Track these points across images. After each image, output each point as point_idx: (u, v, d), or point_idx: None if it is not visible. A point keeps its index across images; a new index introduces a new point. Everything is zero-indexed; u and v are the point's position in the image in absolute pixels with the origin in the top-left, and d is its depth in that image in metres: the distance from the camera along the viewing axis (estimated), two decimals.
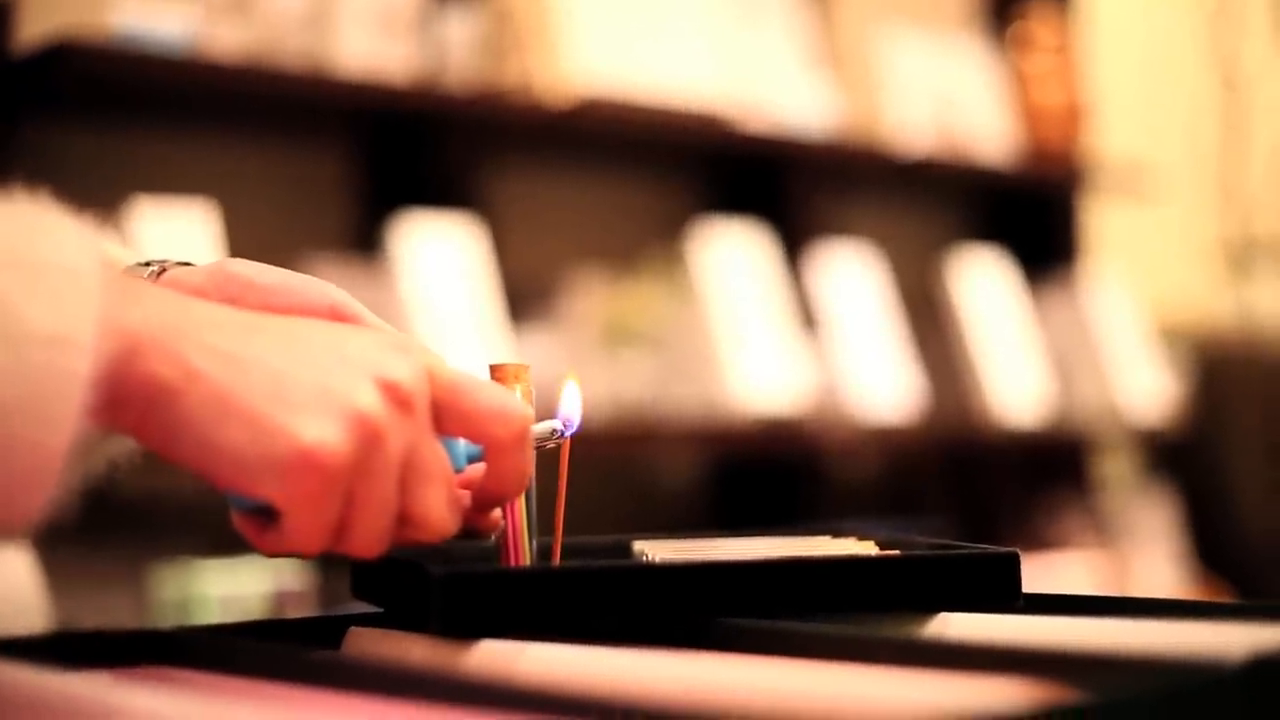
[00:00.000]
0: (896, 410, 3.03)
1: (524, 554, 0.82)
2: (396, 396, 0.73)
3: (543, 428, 0.82)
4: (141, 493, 2.21)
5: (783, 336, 2.85)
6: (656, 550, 0.84)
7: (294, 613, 2.28)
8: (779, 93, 2.98)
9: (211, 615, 2.23)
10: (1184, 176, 4.03)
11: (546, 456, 0.84)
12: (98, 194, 2.25)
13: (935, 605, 0.79)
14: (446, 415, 0.76)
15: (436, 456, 0.75)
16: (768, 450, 2.91)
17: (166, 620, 2.21)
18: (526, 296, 2.71)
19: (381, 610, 0.84)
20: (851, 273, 3.09)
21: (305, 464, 0.71)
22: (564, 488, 0.84)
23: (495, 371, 0.83)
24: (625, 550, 0.89)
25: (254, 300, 0.80)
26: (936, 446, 3.33)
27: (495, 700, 0.61)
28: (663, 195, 3.09)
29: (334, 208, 2.65)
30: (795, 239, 3.04)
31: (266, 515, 0.74)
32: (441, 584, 0.74)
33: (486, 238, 2.58)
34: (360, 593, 0.87)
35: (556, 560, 0.84)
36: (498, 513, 0.81)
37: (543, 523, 0.83)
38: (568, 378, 0.87)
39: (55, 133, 2.36)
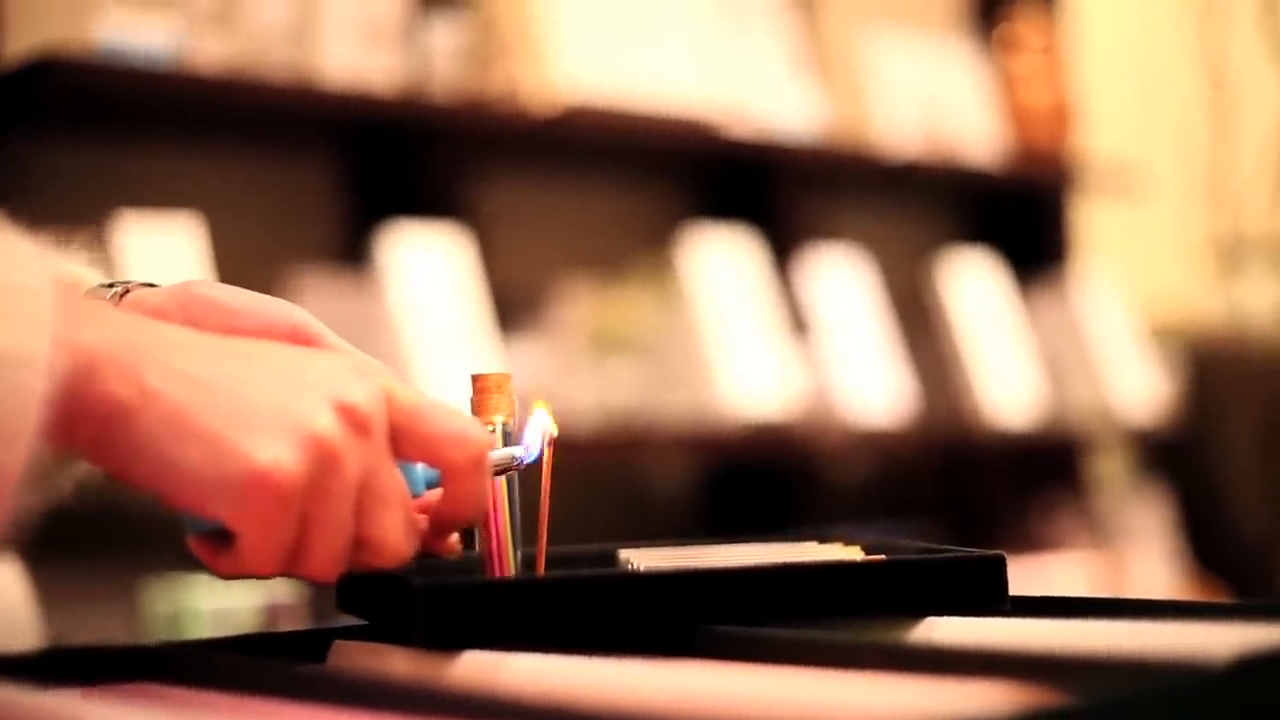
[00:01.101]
0: (888, 414, 3.03)
1: (508, 564, 0.82)
2: (353, 420, 0.73)
3: (502, 454, 0.82)
4: (132, 507, 2.20)
5: (772, 342, 2.85)
6: (642, 558, 0.84)
7: (285, 626, 2.27)
8: (765, 97, 2.98)
9: (203, 630, 2.22)
10: (1173, 175, 4.03)
11: (532, 466, 0.83)
12: (83, 208, 2.24)
13: (921, 609, 0.79)
14: (404, 439, 0.76)
15: (393, 480, 0.75)
16: (759, 456, 2.90)
17: (158, 635, 2.20)
18: (514, 305, 2.70)
19: (367, 623, 0.83)
20: (841, 276, 3.09)
21: (259, 485, 0.71)
22: (547, 497, 0.83)
23: (477, 381, 0.83)
24: (611, 559, 0.88)
25: (216, 322, 0.80)
26: (929, 449, 3.32)
27: (478, 712, 0.61)
28: (650, 202, 3.09)
29: (320, 219, 2.64)
30: (784, 244, 3.04)
31: (222, 537, 0.74)
32: (424, 596, 0.73)
33: (474, 247, 2.57)
34: (346, 606, 0.86)
35: (541, 570, 0.84)
36: (455, 537, 0.81)
37: (527, 533, 0.83)
38: (536, 405, 0.86)
39: (40, 147, 2.35)
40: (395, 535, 0.75)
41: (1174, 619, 0.74)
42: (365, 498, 0.74)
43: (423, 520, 0.79)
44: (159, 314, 0.80)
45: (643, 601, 0.75)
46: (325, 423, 0.72)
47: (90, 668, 0.77)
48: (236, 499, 0.71)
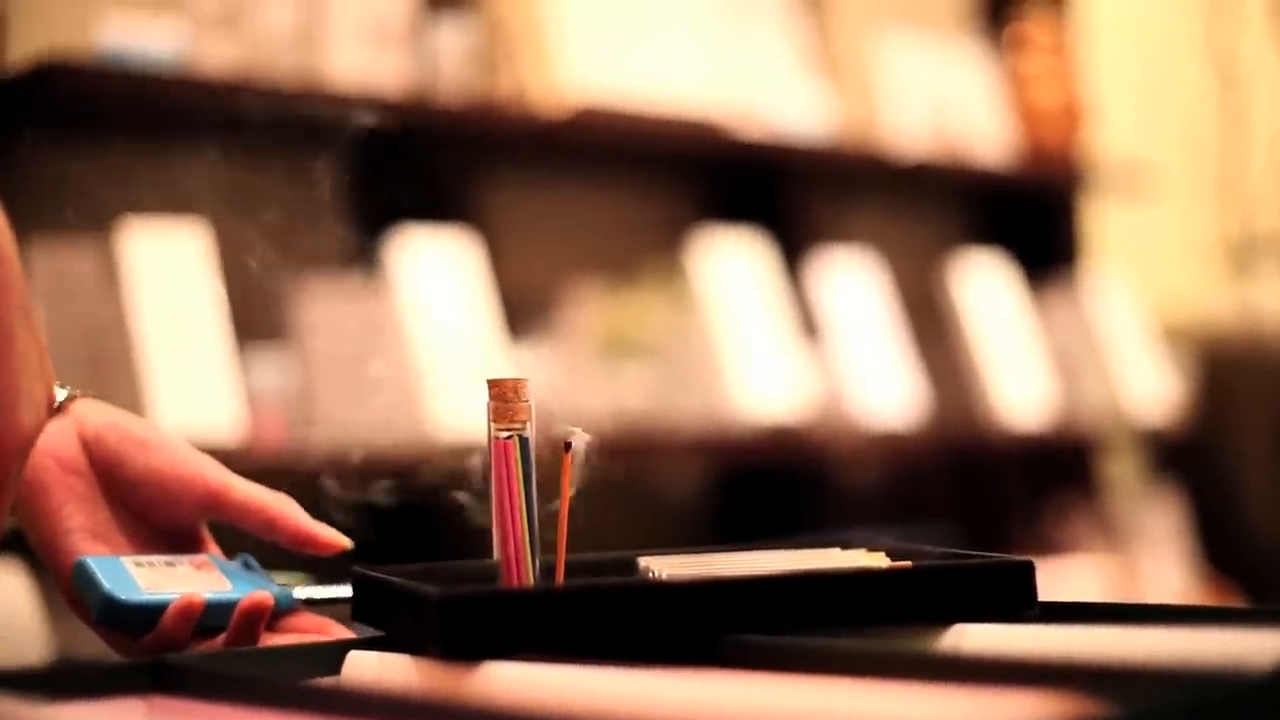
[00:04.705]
0: (900, 416, 3.02)
1: (526, 573, 0.80)
2: None
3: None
4: None
5: (784, 344, 2.83)
6: (663, 566, 0.82)
7: None
8: (775, 99, 2.97)
9: None
10: (1183, 175, 4.01)
11: (548, 473, 0.82)
12: (89, 214, 2.22)
13: (949, 617, 0.77)
14: None
15: None
16: (772, 460, 2.89)
17: None
18: (525, 309, 2.69)
19: (382, 634, 0.82)
20: (852, 279, 3.08)
21: None
22: (566, 505, 0.82)
23: (494, 386, 0.82)
24: (631, 567, 0.87)
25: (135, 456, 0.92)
26: (941, 452, 3.31)
27: None
28: (660, 204, 3.07)
29: (329, 224, 2.62)
30: (794, 246, 3.03)
31: None
32: (441, 606, 0.72)
33: (483, 251, 2.56)
34: (360, 617, 0.85)
35: (560, 579, 0.82)
36: None
37: (544, 542, 0.81)
38: None
39: (45, 153, 2.33)
40: None
41: (1205, 625, 0.73)
42: None
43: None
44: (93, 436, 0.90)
45: (665, 610, 0.74)
46: None
47: (99, 681, 0.75)
48: None
